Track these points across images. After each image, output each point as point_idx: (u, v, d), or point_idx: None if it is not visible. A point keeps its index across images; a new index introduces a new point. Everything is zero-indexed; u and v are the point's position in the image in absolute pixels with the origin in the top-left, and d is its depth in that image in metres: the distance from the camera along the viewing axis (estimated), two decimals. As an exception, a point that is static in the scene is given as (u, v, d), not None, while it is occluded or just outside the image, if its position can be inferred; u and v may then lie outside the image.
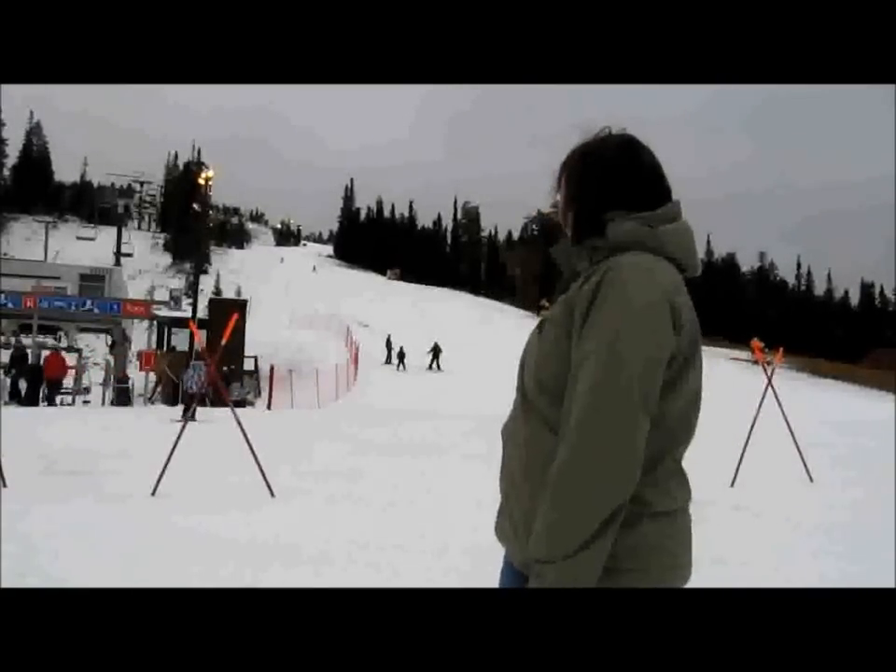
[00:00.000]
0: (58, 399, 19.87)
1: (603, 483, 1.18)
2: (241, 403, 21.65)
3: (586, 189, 1.40)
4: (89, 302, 28.24)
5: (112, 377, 23.77)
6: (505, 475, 1.40)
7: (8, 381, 19.44)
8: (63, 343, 28.87)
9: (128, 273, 47.75)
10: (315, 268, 77.84)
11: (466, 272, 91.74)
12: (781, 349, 11.74)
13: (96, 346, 35.39)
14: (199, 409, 11.87)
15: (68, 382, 21.35)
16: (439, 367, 33.65)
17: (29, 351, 21.95)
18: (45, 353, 21.46)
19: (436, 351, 34.12)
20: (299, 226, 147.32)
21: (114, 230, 56.74)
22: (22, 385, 19.06)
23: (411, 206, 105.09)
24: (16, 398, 18.45)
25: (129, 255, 52.87)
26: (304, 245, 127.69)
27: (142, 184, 76.10)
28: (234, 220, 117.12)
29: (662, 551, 1.28)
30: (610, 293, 1.23)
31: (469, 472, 8.05)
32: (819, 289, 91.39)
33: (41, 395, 19.29)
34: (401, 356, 33.79)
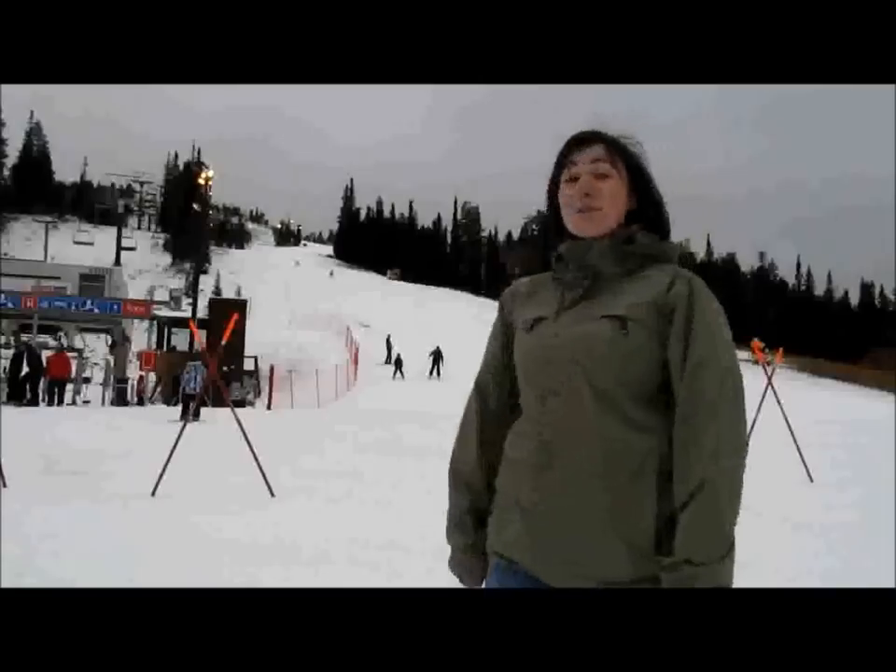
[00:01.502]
0: (65, 397, 19.81)
1: (741, 483, 1.27)
2: (241, 403, 21.67)
3: (651, 186, 1.45)
4: (89, 302, 28.19)
5: (112, 377, 23.77)
6: (560, 476, 1.31)
7: (7, 380, 19.29)
8: (63, 343, 28.86)
9: (128, 273, 47.60)
10: (332, 273, 77.02)
11: (466, 272, 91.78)
12: (781, 349, 11.76)
13: (96, 346, 35.38)
14: (200, 409, 11.88)
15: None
16: (438, 374, 31.83)
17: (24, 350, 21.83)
18: (45, 353, 21.39)
19: (437, 356, 32.14)
20: (299, 226, 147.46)
21: (113, 230, 56.41)
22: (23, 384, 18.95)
23: (411, 206, 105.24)
24: (15, 398, 18.26)
25: (132, 249, 52.45)
26: (304, 245, 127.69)
27: (142, 184, 76.09)
28: (234, 220, 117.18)
29: None
30: (708, 303, 1.33)
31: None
32: (819, 289, 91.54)
33: (42, 394, 19.25)
34: (398, 363, 31.57)
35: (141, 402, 23.34)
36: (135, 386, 24.62)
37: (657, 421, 1.32)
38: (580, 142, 1.43)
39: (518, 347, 1.43)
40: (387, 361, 34.60)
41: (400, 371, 31.47)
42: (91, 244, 53.49)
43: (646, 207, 1.44)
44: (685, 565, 1.23)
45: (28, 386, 18.65)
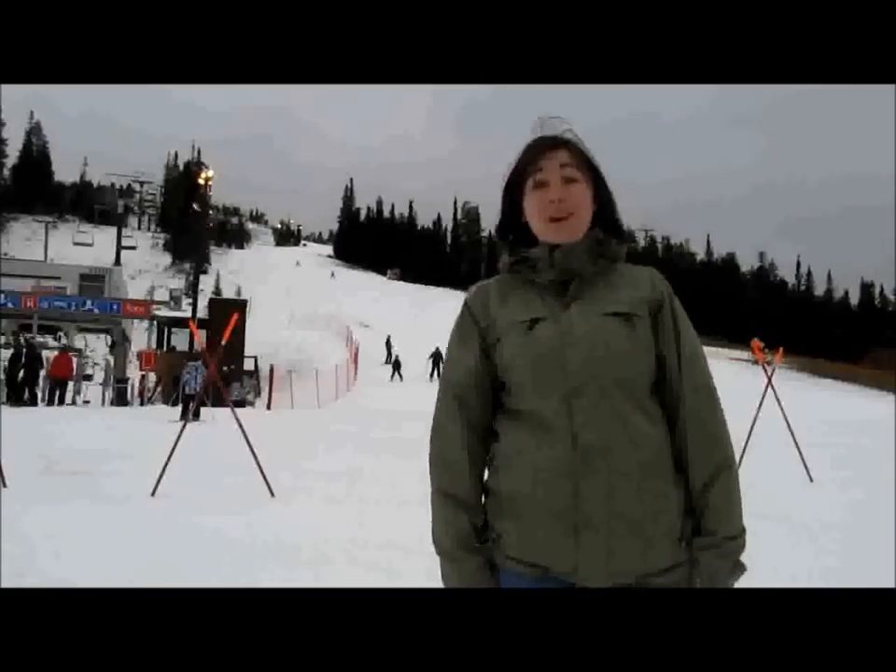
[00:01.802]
0: (66, 397, 19.70)
1: None
2: (241, 403, 21.67)
3: (607, 187, 1.47)
4: (89, 302, 28.16)
5: (112, 377, 23.78)
6: (602, 476, 1.29)
7: (6, 381, 19.08)
8: (64, 343, 28.88)
9: (128, 273, 47.56)
10: (333, 274, 76.38)
11: (466, 272, 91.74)
12: (781, 349, 11.74)
13: (96, 346, 35.39)
14: (200, 409, 11.88)
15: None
16: (439, 375, 30.45)
17: (24, 350, 21.67)
18: (45, 353, 21.33)
19: (437, 358, 29.73)
20: (299, 226, 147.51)
21: (113, 230, 56.11)
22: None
23: (411, 206, 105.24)
24: (14, 398, 18.03)
25: (132, 248, 52.22)
26: (304, 245, 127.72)
27: (142, 184, 76.06)
28: (234, 220, 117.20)
29: None
30: (678, 300, 1.44)
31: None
32: (819, 289, 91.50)
33: (43, 394, 19.18)
34: (397, 365, 30.20)
35: (144, 402, 23.29)
36: (137, 386, 24.60)
37: (660, 413, 1.38)
38: (544, 147, 1.41)
39: (515, 351, 1.37)
40: (387, 362, 34.41)
41: (399, 374, 30.17)
42: (91, 244, 52.96)
43: (603, 207, 1.45)
44: (726, 541, 1.32)
45: (27, 387, 18.44)
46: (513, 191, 1.46)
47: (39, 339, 25.94)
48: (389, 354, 34.94)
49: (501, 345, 1.39)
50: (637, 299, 1.38)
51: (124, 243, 49.44)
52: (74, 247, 53.81)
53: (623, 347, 1.33)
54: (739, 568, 1.34)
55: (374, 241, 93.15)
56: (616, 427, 1.30)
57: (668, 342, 1.39)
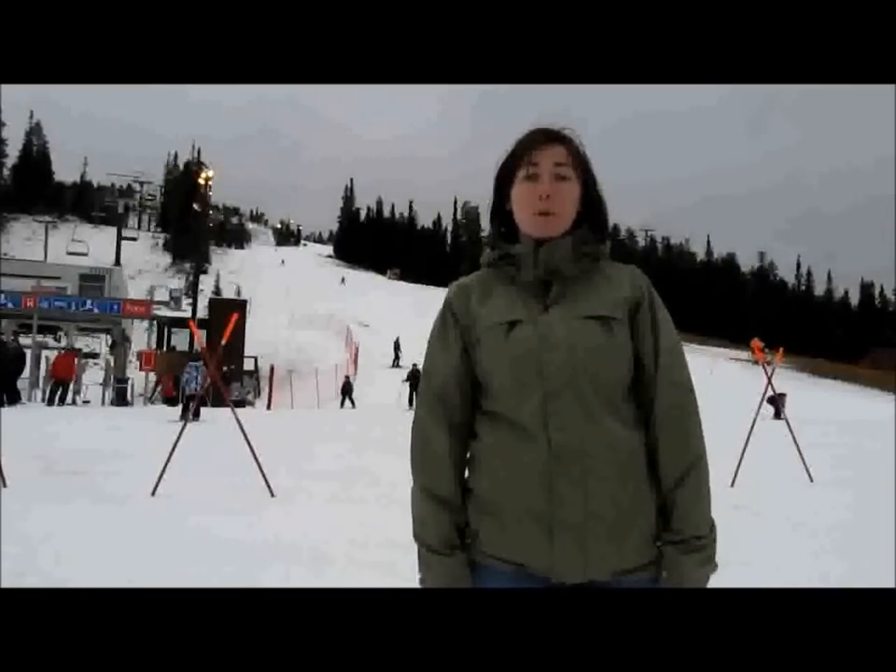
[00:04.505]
0: (66, 398, 19.54)
1: None
2: (241, 403, 21.69)
3: (598, 190, 1.47)
4: (89, 302, 28.15)
5: (112, 377, 23.78)
6: (577, 477, 1.29)
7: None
8: (63, 343, 28.86)
9: (128, 273, 47.43)
10: (343, 279, 75.23)
11: (466, 271, 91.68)
12: (781, 349, 11.74)
13: (96, 346, 35.39)
14: (200, 409, 11.89)
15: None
16: (421, 373, 27.24)
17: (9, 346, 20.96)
18: (45, 353, 21.29)
19: (414, 379, 22.86)
20: (299, 226, 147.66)
21: (112, 230, 55.91)
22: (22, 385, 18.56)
23: (411, 206, 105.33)
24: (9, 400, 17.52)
25: (133, 239, 51.89)
26: (304, 244, 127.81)
27: (142, 184, 75.99)
28: (234, 220, 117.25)
29: None
30: (657, 294, 1.43)
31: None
32: (819, 289, 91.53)
33: (43, 394, 19.11)
34: (347, 389, 24.69)
35: (169, 402, 22.87)
36: (162, 387, 24.41)
37: (636, 414, 1.38)
38: (542, 140, 1.42)
39: (493, 353, 1.37)
40: (394, 364, 34.14)
41: (350, 399, 24.61)
42: (86, 254, 52.16)
43: (589, 209, 1.45)
44: (694, 539, 1.33)
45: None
46: (505, 179, 1.46)
47: (39, 339, 25.91)
48: (397, 356, 34.58)
49: (480, 346, 1.40)
50: (617, 299, 1.38)
51: (125, 234, 49.11)
52: (68, 257, 52.63)
53: (601, 351, 1.33)
54: (709, 566, 1.34)
55: (374, 241, 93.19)
56: (591, 430, 1.31)
57: (646, 339, 1.39)
